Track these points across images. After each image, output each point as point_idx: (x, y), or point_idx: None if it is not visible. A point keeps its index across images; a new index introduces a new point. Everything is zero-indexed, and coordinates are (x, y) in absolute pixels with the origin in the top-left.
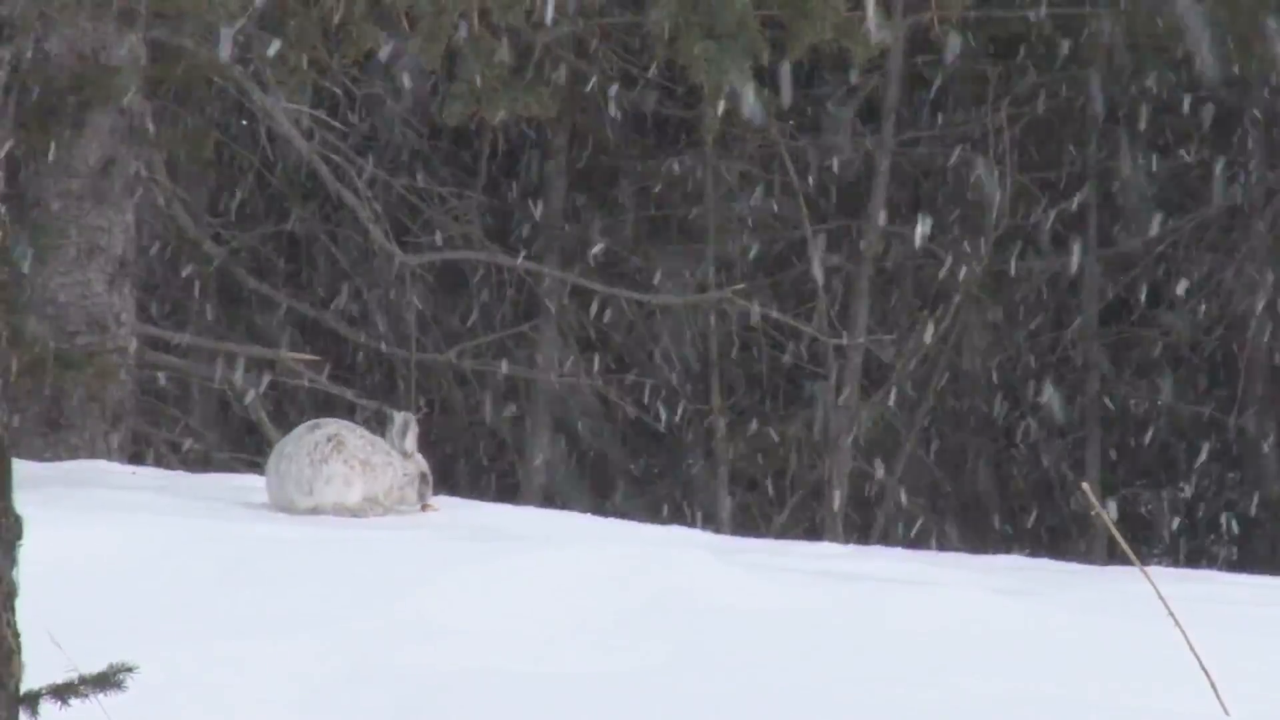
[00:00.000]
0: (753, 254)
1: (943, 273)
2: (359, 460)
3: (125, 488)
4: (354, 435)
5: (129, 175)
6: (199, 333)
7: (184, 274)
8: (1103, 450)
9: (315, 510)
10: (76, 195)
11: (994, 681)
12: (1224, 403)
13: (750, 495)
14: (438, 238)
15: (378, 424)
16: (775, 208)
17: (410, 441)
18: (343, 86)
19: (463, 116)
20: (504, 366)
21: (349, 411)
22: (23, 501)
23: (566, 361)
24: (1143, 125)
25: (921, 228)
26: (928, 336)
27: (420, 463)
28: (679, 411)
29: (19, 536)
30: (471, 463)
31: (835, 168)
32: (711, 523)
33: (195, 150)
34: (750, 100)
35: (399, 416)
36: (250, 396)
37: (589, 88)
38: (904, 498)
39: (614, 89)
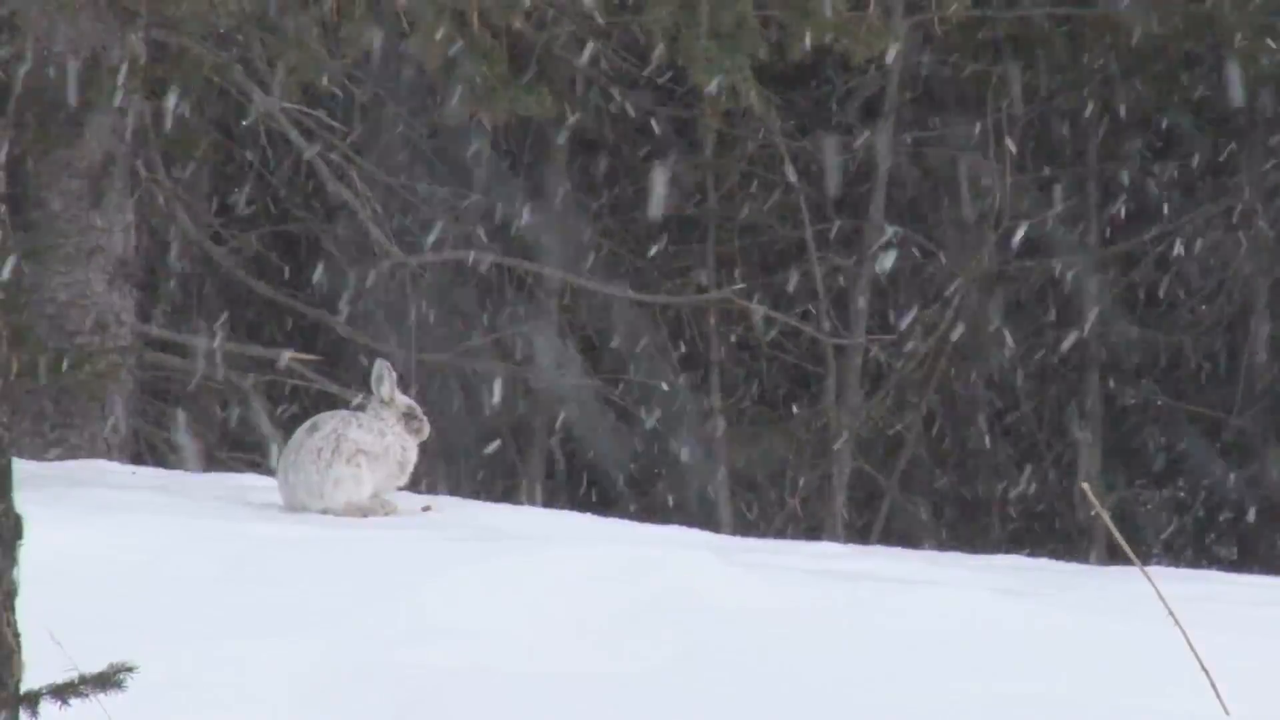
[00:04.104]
0: (753, 254)
1: (943, 273)
2: (363, 454)
3: (125, 488)
4: (353, 428)
5: (129, 175)
6: (199, 333)
7: (184, 274)
8: (1103, 450)
9: (327, 511)
10: (76, 195)
11: (994, 681)
12: (1224, 403)
13: (750, 495)
14: (437, 238)
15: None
16: (775, 208)
17: (388, 387)
18: (342, 86)
19: (463, 116)
20: (504, 366)
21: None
22: (23, 501)
23: (565, 362)
24: (1143, 125)
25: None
26: (928, 336)
27: (401, 403)
28: (679, 412)
29: (19, 536)
30: (471, 463)
31: (835, 168)
32: (711, 523)
33: (195, 150)
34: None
35: (376, 364)
36: (250, 396)
37: (589, 88)
38: (904, 498)
39: (614, 89)
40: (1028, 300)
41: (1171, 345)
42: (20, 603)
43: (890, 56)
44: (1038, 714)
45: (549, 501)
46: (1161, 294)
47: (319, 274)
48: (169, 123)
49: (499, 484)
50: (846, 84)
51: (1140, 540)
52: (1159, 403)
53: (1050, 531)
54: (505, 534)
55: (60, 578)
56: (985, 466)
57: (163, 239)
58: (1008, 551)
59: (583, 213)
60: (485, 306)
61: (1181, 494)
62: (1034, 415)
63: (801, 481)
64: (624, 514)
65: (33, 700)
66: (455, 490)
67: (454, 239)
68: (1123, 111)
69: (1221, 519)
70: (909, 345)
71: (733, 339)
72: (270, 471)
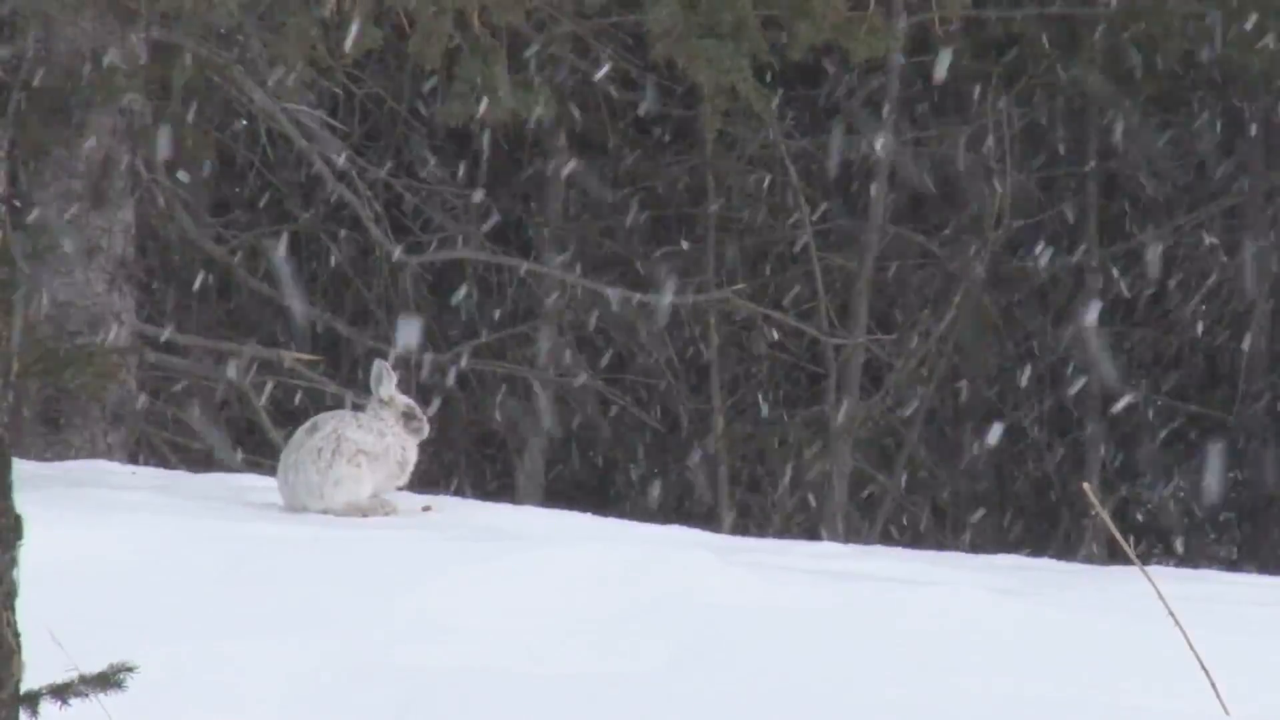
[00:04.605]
0: (752, 254)
1: (943, 273)
2: (363, 454)
3: (125, 488)
4: (352, 428)
5: (129, 175)
6: (199, 333)
7: (184, 274)
8: (1103, 450)
9: (327, 511)
10: (76, 195)
11: (994, 681)
12: (1224, 402)
13: (750, 495)
14: (438, 238)
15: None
16: (775, 208)
17: (386, 387)
18: (343, 86)
19: (463, 116)
20: (504, 366)
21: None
22: (23, 501)
23: (566, 361)
24: (1142, 125)
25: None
26: (928, 336)
27: (400, 402)
28: (679, 411)
29: (19, 536)
30: (471, 463)
31: (835, 168)
32: (711, 523)
33: (195, 150)
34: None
35: (376, 364)
36: (250, 396)
37: (589, 88)
38: (904, 498)
39: (614, 89)
40: (1027, 300)
41: (1171, 345)
42: (20, 603)
43: (890, 56)
44: (1038, 714)
45: (549, 501)
46: (1161, 293)
47: (319, 274)
48: (169, 123)
49: (499, 484)
50: (846, 84)
51: (1140, 540)
52: (1159, 403)
53: (1050, 531)
54: (505, 534)
55: (60, 578)
56: (985, 466)
57: (163, 239)
58: (1008, 551)
59: (583, 213)
60: (485, 306)
61: (1181, 494)
62: (1034, 415)
63: (802, 481)
64: (624, 514)
65: (33, 700)
66: (455, 490)
67: (454, 239)
68: (1121, 111)
69: (1221, 519)
70: (909, 345)
71: (732, 339)
72: (271, 471)
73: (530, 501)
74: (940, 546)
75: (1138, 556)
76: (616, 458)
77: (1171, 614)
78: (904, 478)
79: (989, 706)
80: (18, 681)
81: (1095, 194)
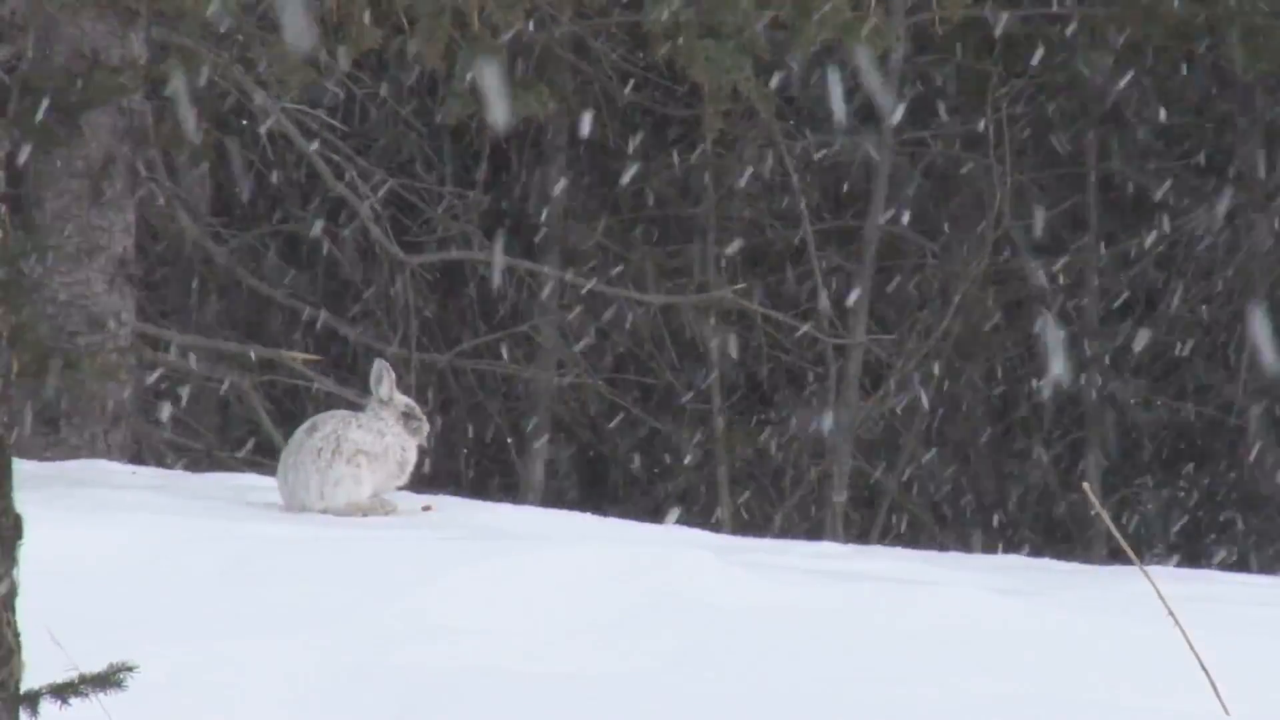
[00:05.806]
0: (753, 254)
1: (943, 272)
2: (363, 454)
3: (125, 488)
4: (352, 428)
5: (129, 175)
6: (199, 332)
7: (184, 274)
8: (1103, 450)
9: (327, 511)
10: (76, 195)
11: (994, 681)
12: (1224, 403)
13: (750, 495)
14: (437, 237)
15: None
16: (775, 208)
17: (386, 387)
18: (343, 86)
19: (463, 116)
20: (504, 365)
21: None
22: (23, 501)
23: (566, 361)
24: (1143, 125)
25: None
26: (928, 336)
27: (400, 402)
28: (679, 412)
29: (19, 536)
30: (471, 463)
31: (835, 167)
32: (711, 523)
33: (195, 150)
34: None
35: (375, 364)
36: (250, 396)
37: (589, 88)
38: (904, 498)
39: (614, 88)
40: (1027, 300)
41: (1171, 345)
42: (20, 603)
43: (890, 56)
44: (1038, 714)
45: (549, 501)
46: (1161, 294)
47: (319, 274)
48: (169, 123)
49: (499, 484)
50: (846, 83)
51: (1140, 540)
52: (1159, 402)
53: (1050, 531)
54: (505, 534)
55: (60, 578)
56: (985, 466)
57: (163, 239)
58: (1008, 551)
59: (583, 212)
60: (485, 306)
61: (1181, 494)
62: (1034, 415)
63: (802, 481)
64: (624, 514)
65: (33, 700)
66: (455, 490)
67: (454, 239)
68: (1123, 111)
69: (1221, 519)
70: (909, 345)
71: (732, 338)
72: (271, 471)
73: (531, 502)
74: (940, 546)
75: (1138, 556)
76: (617, 458)
77: (1171, 614)
78: (904, 478)
79: (989, 706)
80: (18, 681)
81: (1095, 194)
